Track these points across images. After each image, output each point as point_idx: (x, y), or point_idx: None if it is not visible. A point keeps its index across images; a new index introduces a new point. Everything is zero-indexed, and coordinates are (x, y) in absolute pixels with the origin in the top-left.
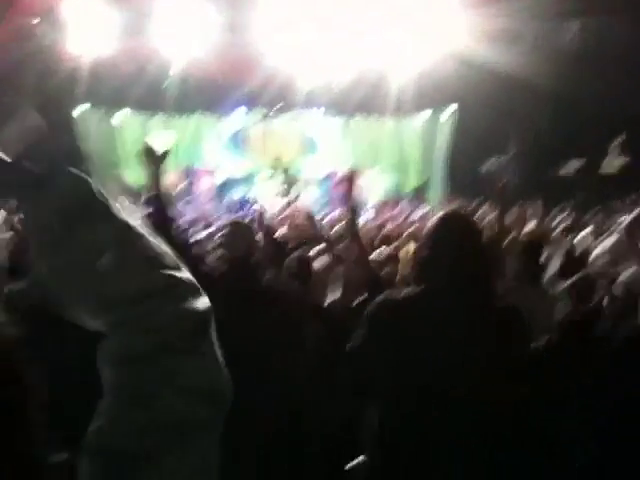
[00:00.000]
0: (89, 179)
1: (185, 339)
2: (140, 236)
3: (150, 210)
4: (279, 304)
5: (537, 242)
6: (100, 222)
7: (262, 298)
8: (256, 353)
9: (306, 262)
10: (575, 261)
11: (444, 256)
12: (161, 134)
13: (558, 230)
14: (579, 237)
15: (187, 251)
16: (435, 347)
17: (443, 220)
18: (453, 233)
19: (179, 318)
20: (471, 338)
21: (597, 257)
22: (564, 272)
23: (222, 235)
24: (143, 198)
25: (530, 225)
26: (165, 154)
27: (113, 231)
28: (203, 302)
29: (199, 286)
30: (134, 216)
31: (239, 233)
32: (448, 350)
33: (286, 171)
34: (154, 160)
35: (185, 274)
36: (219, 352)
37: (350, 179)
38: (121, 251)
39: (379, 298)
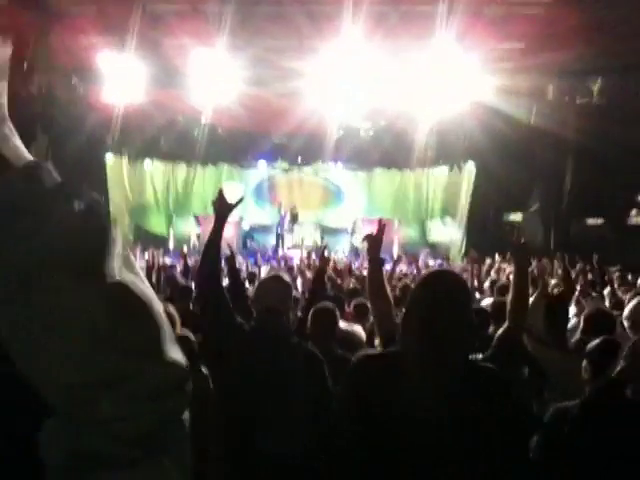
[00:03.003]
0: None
1: (123, 448)
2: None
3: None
4: (304, 360)
5: (561, 301)
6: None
7: (288, 352)
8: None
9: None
10: (599, 321)
11: (416, 318)
12: (232, 185)
13: (581, 285)
14: (606, 293)
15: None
16: (401, 415)
17: (424, 280)
18: (430, 294)
19: (123, 419)
20: (437, 406)
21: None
22: (587, 332)
23: (259, 286)
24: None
25: (552, 280)
26: (237, 203)
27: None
28: (169, 408)
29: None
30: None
31: (276, 286)
32: (413, 420)
33: (309, 221)
34: (226, 208)
35: (171, 366)
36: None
37: (379, 230)
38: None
39: (357, 356)
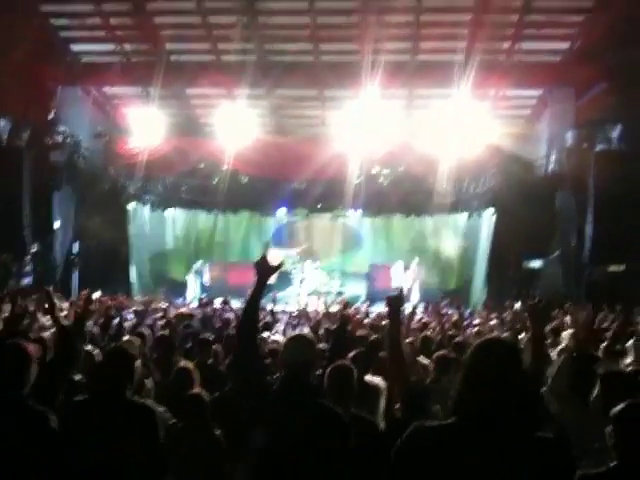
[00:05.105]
0: None
1: None
2: None
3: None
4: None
5: (587, 357)
6: None
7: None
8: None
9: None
10: (619, 383)
11: (478, 389)
12: (275, 251)
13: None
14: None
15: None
16: None
17: (481, 349)
18: (491, 365)
19: None
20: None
21: None
22: (607, 394)
23: (285, 348)
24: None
25: (570, 331)
26: (278, 267)
27: None
28: None
29: None
30: None
31: (300, 348)
32: None
33: (328, 266)
34: (268, 270)
35: None
36: None
37: (396, 301)
38: None
39: (409, 431)
